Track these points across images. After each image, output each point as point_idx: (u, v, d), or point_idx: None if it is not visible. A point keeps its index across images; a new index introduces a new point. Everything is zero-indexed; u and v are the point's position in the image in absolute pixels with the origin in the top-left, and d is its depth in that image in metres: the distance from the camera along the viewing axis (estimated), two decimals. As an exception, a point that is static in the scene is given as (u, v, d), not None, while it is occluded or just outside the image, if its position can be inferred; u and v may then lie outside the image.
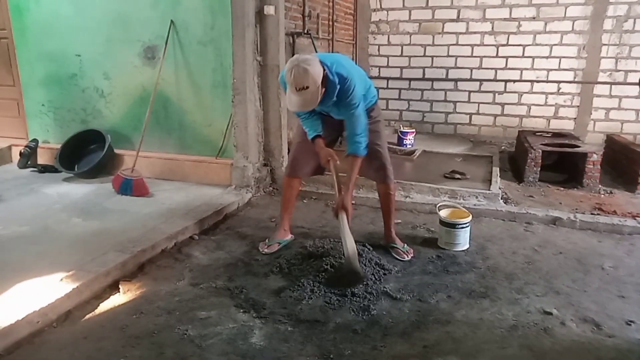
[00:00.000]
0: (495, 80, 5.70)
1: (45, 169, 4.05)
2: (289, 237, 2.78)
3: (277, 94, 3.65)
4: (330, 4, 5.10)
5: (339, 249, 2.51)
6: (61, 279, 2.18)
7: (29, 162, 4.18)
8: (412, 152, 4.80)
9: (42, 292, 2.07)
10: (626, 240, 2.93)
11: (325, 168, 2.60)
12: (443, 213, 2.82)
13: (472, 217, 2.83)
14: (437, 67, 5.90)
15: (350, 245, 2.28)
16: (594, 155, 3.84)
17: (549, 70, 5.49)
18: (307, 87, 2.10)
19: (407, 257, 2.65)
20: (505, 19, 5.52)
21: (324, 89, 2.19)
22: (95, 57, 4.00)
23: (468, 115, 5.92)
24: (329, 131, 2.57)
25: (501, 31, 5.56)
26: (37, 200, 3.37)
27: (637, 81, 4.93)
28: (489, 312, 2.11)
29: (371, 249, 2.63)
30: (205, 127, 3.82)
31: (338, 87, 2.23)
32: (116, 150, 4.02)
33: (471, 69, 5.78)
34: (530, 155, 3.98)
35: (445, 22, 5.75)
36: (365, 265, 2.41)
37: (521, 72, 5.60)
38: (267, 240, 2.69)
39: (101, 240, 2.65)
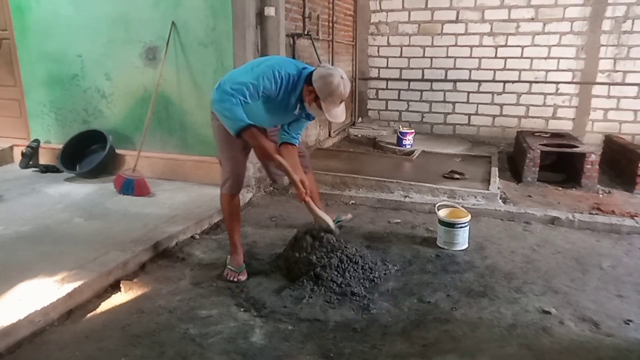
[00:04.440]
0: (494, 81, 5.72)
1: (46, 169, 4.06)
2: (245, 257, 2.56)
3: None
4: (330, 5, 5.12)
5: (339, 248, 2.52)
6: (62, 279, 2.19)
7: (30, 162, 4.18)
8: (411, 153, 4.82)
9: (43, 292, 2.08)
10: (624, 240, 2.95)
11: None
12: (442, 213, 2.83)
13: (471, 216, 2.84)
14: (436, 68, 5.92)
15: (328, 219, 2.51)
16: (593, 156, 3.85)
17: (547, 71, 5.50)
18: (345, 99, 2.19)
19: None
20: (504, 20, 5.54)
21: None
22: (96, 58, 4.01)
23: (467, 116, 5.94)
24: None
25: (500, 32, 5.58)
26: (39, 200, 3.38)
27: None
28: (488, 311, 2.12)
29: (367, 251, 2.63)
30: (206, 128, 3.82)
31: None
32: (117, 151, 4.03)
33: (470, 70, 5.79)
34: (528, 155, 3.99)
35: (444, 23, 5.77)
36: (365, 266, 2.42)
37: (520, 73, 5.61)
38: (233, 269, 2.41)
39: (103, 240, 2.66)
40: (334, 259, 2.37)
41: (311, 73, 2.19)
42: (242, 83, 2.11)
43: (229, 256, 2.50)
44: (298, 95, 2.22)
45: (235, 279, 2.37)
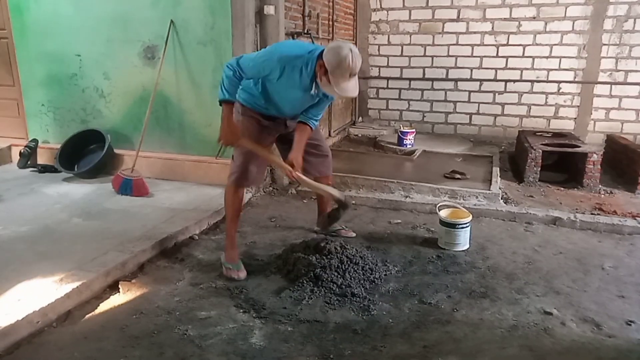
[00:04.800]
0: (495, 80, 5.70)
1: (45, 169, 4.05)
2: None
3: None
4: (330, 3, 5.10)
5: (339, 248, 2.51)
6: (61, 279, 2.18)
7: (28, 162, 4.17)
8: (412, 152, 4.80)
9: (42, 292, 2.07)
10: (626, 240, 2.93)
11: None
12: (443, 213, 2.82)
13: (472, 217, 2.83)
14: (437, 67, 5.90)
15: (330, 189, 2.48)
16: (594, 155, 3.84)
17: (549, 70, 5.48)
18: (356, 73, 2.12)
19: (353, 233, 2.92)
20: (505, 19, 5.52)
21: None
22: (95, 57, 3.99)
23: (468, 115, 5.92)
24: (271, 133, 2.52)
25: (501, 31, 5.56)
26: (37, 201, 3.37)
27: None
28: (489, 312, 2.11)
29: (367, 252, 2.62)
30: (205, 127, 3.81)
31: None
32: (116, 150, 4.02)
33: (471, 69, 5.77)
34: (530, 155, 3.98)
35: (445, 22, 5.75)
36: (366, 266, 2.40)
37: (521, 72, 5.59)
38: (230, 266, 2.42)
39: (101, 240, 2.65)
40: (334, 259, 2.36)
41: (323, 50, 2.17)
42: (246, 59, 2.25)
43: (223, 253, 2.50)
44: (311, 74, 2.18)
45: (236, 277, 2.38)
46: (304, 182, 2.43)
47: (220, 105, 2.26)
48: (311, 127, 2.46)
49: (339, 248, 2.44)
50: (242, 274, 2.40)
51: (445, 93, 5.94)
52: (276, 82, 2.23)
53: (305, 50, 2.20)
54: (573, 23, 5.29)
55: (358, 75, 2.19)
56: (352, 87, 2.14)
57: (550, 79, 5.49)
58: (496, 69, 5.68)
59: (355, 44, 6.04)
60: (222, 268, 2.45)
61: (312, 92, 2.27)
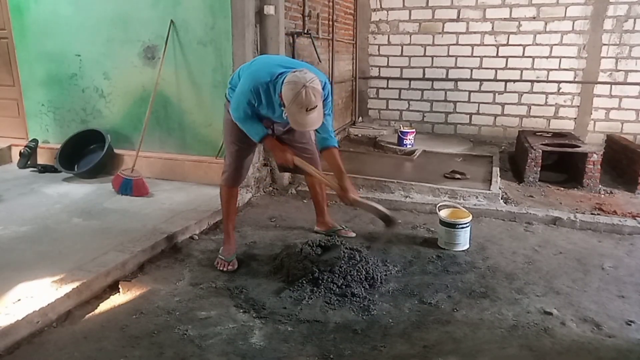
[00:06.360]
0: (495, 80, 5.70)
1: (45, 169, 4.05)
2: (236, 248, 2.66)
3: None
4: (330, 3, 5.10)
5: (339, 248, 2.51)
6: (61, 279, 2.18)
7: (28, 162, 4.17)
8: (412, 152, 4.80)
9: (42, 292, 2.07)
10: (626, 240, 2.93)
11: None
12: (443, 213, 2.82)
13: (472, 217, 2.83)
14: (437, 67, 5.90)
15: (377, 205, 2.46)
16: (594, 155, 3.84)
17: (549, 70, 5.49)
18: (317, 106, 2.05)
19: (353, 233, 2.93)
20: (505, 19, 5.52)
21: None
22: (95, 57, 3.99)
23: (468, 115, 5.92)
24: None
25: (501, 31, 5.56)
26: (37, 201, 3.37)
27: None
28: (489, 312, 2.11)
29: (367, 252, 2.62)
30: (205, 127, 3.81)
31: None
32: (116, 150, 4.02)
33: (471, 69, 5.77)
34: (530, 155, 3.98)
35: (445, 22, 5.75)
36: (365, 268, 2.40)
37: (521, 72, 5.60)
38: (223, 258, 2.50)
39: (101, 240, 2.65)
40: (333, 260, 2.35)
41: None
42: (235, 104, 2.28)
43: (222, 246, 2.59)
44: (278, 101, 2.16)
45: (225, 269, 2.46)
46: (359, 203, 2.48)
47: (261, 142, 2.33)
48: (335, 146, 2.45)
49: (341, 249, 2.44)
50: (231, 267, 2.47)
51: (445, 93, 5.94)
52: (258, 106, 2.23)
53: (272, 75, 2.14)
54: (573, 23, 5.29)
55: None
56: (310, 121, 2.08)
57: (550, 79, 5.50)
58: (496, 69, 5.69)
59: (355, 43, 6.05)
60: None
61: (285, 116, 2.19)
